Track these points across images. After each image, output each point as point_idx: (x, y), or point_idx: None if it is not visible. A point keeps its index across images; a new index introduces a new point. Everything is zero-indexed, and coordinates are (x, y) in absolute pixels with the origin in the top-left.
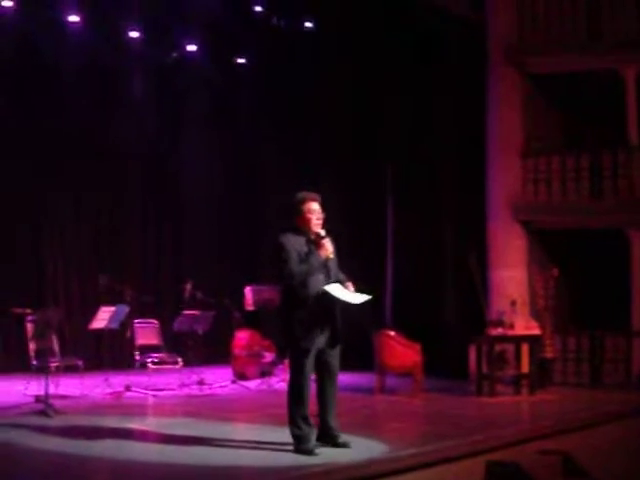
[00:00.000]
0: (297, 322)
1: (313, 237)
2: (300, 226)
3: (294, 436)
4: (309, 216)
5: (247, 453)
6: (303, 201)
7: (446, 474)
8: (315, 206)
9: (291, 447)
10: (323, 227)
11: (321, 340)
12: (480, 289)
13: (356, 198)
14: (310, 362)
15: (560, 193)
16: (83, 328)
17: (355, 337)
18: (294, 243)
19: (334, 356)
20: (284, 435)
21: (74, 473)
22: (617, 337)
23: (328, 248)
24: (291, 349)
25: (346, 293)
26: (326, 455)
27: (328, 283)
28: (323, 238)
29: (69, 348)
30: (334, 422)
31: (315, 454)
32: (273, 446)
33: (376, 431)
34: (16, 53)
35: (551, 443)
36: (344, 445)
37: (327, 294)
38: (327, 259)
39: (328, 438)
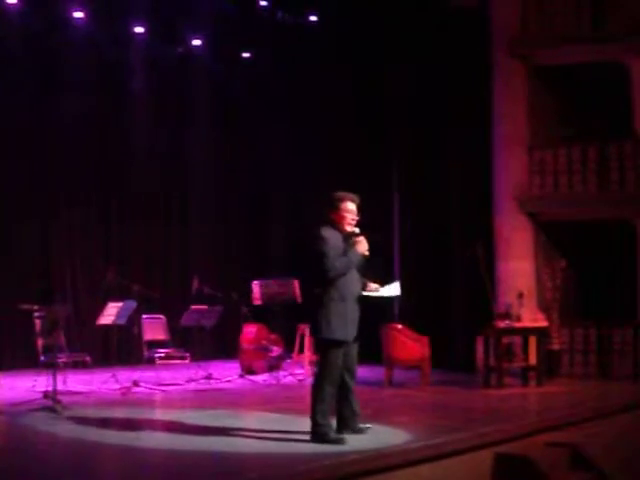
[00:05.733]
0: (336, 315)
1: (348, 234)
2: (335, 222)
3: (321, 426)
4: (345, 214)
5: (266, 443)
6: (342, 199)
7: (454, 466)
8: (352, 206)
9: (305, 437)
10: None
11: (353, 333)
12: (487, 282)
13: (362, 194)
14: (342, 355)
15: (566, 185)
16: (91, 324)
17: (362, 331)
18: (333, 237)
19: (356, 349)
20: (296, 426)
21: (83, 466)
22: (624, 328)
23: (365, 245)
24: (326, 342)
25: (385, 289)
26: (331, 447)
27: (360, 279)
28: (358, 236)
29: (77, 344)
30: (358, 409)
31: (346, 442)
32: (290, 436)
33: (384, 424)
34: (21, 50)
35: (559, 435)
36: (364, 429)
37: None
38: (364, 256)
39: (349, 426)
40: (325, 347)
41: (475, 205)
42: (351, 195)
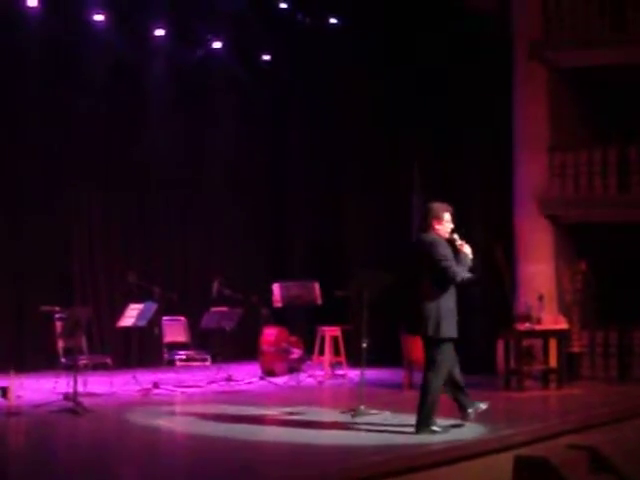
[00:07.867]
0: (451, 314)
1: (454, 241)
2: (439, 231)
3: (431, 422)
4: (446, 224)
5: (288, 442)
6: (444, 209)
7: (475, 469)
8: (450, 216)
9: (319, 437)
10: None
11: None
12: (507, 284)
13: (382, 196)
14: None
15: (587, 187)
16: (111, 326)
17: (384, 334)
18: (446, 245)
19: None
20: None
21: (103, 467)
22: None
23: (469, 249)
24: (443, 341)
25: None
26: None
27: None
28: (459, 241)
29: (97, 346)
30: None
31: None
32: (308, 436)
33: (404, 426)
34: (41, 53)
35: (579, 438)
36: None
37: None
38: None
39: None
40: (441, 345)
41: (495, 207)
42: (447, 206)
